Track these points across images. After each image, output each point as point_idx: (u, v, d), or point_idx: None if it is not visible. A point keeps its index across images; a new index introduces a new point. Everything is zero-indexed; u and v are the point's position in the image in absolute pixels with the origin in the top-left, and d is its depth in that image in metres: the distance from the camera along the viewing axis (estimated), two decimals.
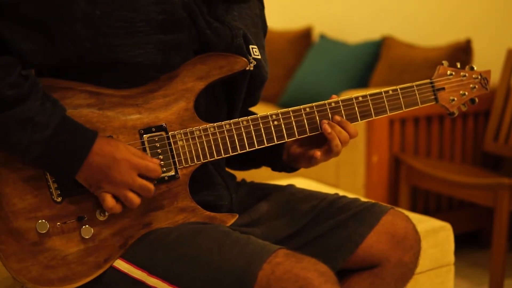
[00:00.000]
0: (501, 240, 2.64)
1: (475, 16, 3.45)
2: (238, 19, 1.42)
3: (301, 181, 2.26)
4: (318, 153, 1.40)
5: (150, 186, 1.25)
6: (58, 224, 1.25)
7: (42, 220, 1.24)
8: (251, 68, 1.40)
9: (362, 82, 3.62)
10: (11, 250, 1.23)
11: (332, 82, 3.72)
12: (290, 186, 1.58)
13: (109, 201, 1.24)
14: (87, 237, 1.26)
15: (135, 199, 1.24)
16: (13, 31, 1.19)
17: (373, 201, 1.51)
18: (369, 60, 3.66)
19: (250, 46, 1.41)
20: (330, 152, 1.40)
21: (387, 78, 3.40)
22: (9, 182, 1.23)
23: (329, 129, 1.38)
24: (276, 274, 1.17)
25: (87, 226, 1.26)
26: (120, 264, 1.28)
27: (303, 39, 4.24)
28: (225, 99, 1.42)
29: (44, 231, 1.24)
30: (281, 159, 1.49)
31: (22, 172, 1.23)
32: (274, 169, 1.55)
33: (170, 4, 1.28)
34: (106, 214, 1.27)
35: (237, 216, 1.37)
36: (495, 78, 3.05)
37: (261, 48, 1.46)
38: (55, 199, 1.25)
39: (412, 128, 3.03)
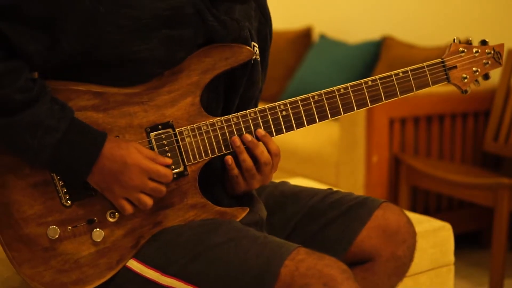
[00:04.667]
0: (501, 240, 2.64)
1: (475, 16, 3.45)
2: None
3: (301, 181, 2.25)
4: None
5: (162, 188, 1.25)
6: (69, 228, 1.25)
7: (52, 226, 1.23)
8: (257, 57, 1.38)
9: None
10: (24, 257, 1.23)
11: (332, 82, 3.71)
12: (283, 184, 1.57)
13: (129, 208, 1.24)
14: (98, 239, 1.25)
15: (148, 201, 1.24)
16: (18, 32, 1.18)
17: (366, 196, 1.49)
18: (369, 60, 3.66)
19: (252, 43, 1.39)
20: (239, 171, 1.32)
21: None
22: (17, 189, 1.22)
23: (237, 143, 1.31)
24: (300, 271, 1.17)
25: (97, 228, 1.26)
26: (133, 264, 1.27)
27: (303, 39, 4.24)
28: (223, 94, 1.39)
29: (55, 237, 1.23)
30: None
31: (29, 178, 1.23)
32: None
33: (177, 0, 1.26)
34: (116, 215, 1.27)
35: (248, 209, 1.35)
36: (495, 78, 3.05)
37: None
38: (65, 203, 1.24)
39: (412, 128, 3.03)
